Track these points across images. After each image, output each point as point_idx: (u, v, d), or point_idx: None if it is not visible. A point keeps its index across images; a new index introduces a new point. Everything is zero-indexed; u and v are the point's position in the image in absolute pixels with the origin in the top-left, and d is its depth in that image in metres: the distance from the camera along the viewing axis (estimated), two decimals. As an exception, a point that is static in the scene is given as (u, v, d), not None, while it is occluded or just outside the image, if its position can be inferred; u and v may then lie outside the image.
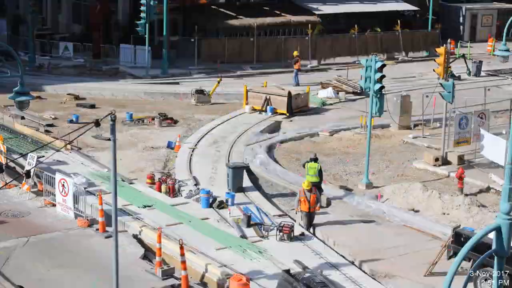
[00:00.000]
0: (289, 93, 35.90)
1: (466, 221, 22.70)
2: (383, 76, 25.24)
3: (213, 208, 22.95)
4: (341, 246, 20.60)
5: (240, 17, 51.37)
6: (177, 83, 43.19)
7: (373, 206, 23.69)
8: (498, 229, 8.85)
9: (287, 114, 35.34)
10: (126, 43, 47.54)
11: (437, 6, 60.26)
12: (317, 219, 22.18)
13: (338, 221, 22.50)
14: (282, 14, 52.75)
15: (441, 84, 28.03)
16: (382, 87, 25.25)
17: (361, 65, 27.23)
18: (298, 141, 32.14)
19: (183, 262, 17.92)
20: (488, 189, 25.72)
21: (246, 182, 25.95)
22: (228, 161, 28.36)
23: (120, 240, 16.86)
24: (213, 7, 52.33)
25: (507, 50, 28.54)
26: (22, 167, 25.67)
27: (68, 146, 28.28)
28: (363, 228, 22.10)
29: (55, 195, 23.12)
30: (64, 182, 22.55)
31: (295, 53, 43.96)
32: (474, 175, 26.54)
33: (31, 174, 24.10)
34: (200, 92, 38.82)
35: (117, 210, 15.47)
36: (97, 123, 14.58)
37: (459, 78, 42.43)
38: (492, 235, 9.07)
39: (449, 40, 39.12)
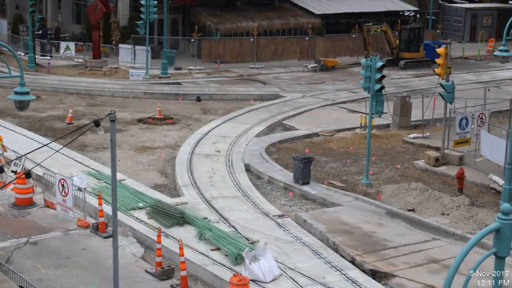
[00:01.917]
0: None
1: (466, 221, 22.71)
2: (383, 76, 25.24)
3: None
4: (340, 246, 20.58)
5: (240, 16, 51.37)
6: (179, 83, 43.23)
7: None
8: (498, 229, 8.83)
9: None
10: (126, 43, 47.67)
11: (437, 6, 60.30)
12: (316, 219, 22.19)
13: (338, 221, 22.50)
14: (282, 14, 52.76)
15: (441, 84, 28.03)
16: (382, 87, 25.24)
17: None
18: (298, 141, 32.13)
19: (182, 262, 17.94)
20: (488, 189, 25.71)
21: (247, 182, 26.00)
22: (228, 161, 28.37)
23: (120, 240, 16.90)
24: (213, 6, 52.33)
25: (507, 51, 28.51)
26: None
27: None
28: (363, 228, 22.07)
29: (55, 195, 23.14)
30: (64, 182, 22.55)
31: None
32: (474, 175, 26.54)
33: (31, 174, 24.10)
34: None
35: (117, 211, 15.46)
36: (96, 123, 14.59)
37: None
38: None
39: (449, 40, 39.09)
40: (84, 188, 23.45)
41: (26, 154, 23.78)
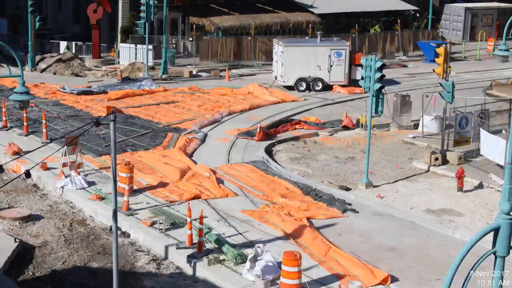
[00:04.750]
0: None
1: (466, 221, 22.75)
2: (383, 76, 25.22)
3: None
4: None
5: (239, 16, 51.37)
6: (177, 83, 43.23)
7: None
8: (498, 229, 8.86)
9: None
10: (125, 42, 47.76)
11: (437, 5, 60.37)
12: (317, 219, 22.23)
13: (338, 221, 22.51)
14: (282, 13, 52.76)
15: (440, 84, 28.07)
16: (382, 87, 25.24)
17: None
18: (297, 141, 32.14)
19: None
20: (487, 189, 25.73)
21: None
22: (228, 161, 28.36)
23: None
24: (212, 6, 52.35)
25: (507, 50, 28.60)
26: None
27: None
28: (363, 228, 22.07)
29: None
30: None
31: None
32: (474, 175, 26.55)
33: (30, 174, 24.13)
34: None
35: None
36: (97, 123, 14.61)
37: None
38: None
39: (449, 40, 39.10)
40: (84, 188, 23.57)
41: (28, 152, 23.81)
